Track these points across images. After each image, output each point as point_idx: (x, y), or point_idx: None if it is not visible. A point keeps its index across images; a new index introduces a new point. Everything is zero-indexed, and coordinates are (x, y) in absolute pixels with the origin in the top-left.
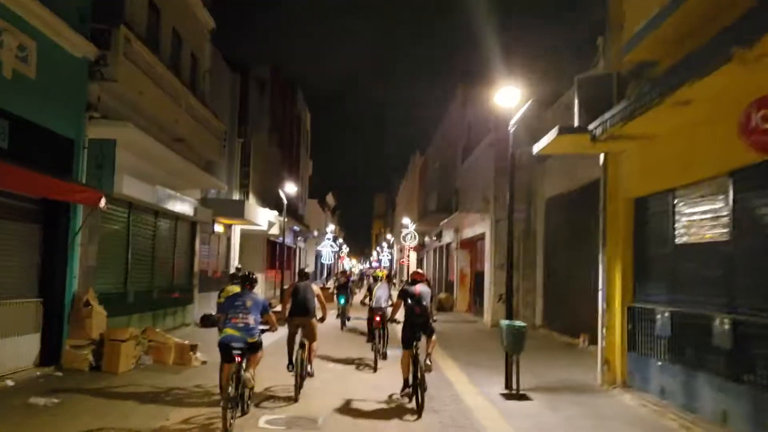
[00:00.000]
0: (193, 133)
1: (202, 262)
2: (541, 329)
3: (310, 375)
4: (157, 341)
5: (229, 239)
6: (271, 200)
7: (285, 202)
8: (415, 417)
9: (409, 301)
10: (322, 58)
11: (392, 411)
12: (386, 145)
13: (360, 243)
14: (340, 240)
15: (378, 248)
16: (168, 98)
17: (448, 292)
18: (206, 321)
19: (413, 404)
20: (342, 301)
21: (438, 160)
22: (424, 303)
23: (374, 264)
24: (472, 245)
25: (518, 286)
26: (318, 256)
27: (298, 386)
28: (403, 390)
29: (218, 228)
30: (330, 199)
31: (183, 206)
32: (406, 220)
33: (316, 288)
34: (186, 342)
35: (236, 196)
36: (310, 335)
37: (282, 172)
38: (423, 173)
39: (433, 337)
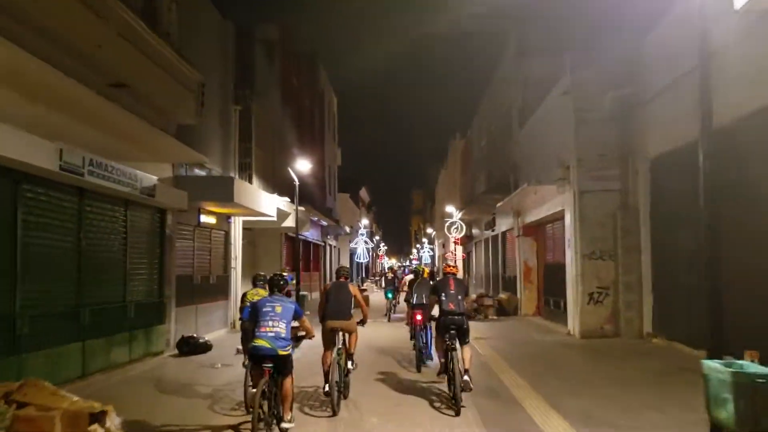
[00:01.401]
0: (144, 77)
1: (183, 265)
2: (653, 339)
3: (353, 368)
4: (36, 407)
5: (227, 234)
6: (284, 186)
7: (297, 182)
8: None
9: (443, 296)
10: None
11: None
12: (423, 140)
13: (400, 241)
14: (377, 238)
15: (418, 245)
16: (80, 6)
17: (509, 291)
18: (187, 346)
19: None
20: (390, 295)
21: (484, 136)
22: (459, 298)
23: (414, 262)
24: (539, 230)
25: (615, 280)
26: (353, 254)
27: (338, 399)
28: (440, 373)
29: (206, 219)
30: (364, 194)
31: (133, 183)
32: (449, 208)
33: (353, 288)
34: (92, 405)
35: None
36: (350, 340)
37: (299, 153)
38: (465, 157)
39: (468, 347)
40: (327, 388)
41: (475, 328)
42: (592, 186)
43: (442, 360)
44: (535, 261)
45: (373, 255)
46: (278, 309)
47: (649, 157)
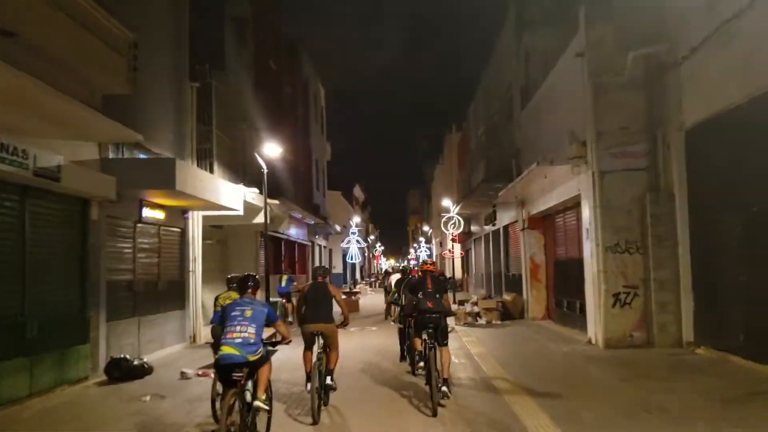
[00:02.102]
0: (51, 31)
1: (118, 269)
2: (697, 350)
3: (333, 389)
4: None
5: (183, 232)
6: (259, 178)
7: (265, 170)
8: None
9: (420, 295)
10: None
11: None
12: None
13: (398, 242)
14: (372, 237)
15: (415, 244)
16: None
17: (513, 291)
18: (118, 370)
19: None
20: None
21: (482, 124)
22: (438, 296)
23: (412, 262)
24: (547, 222)
25: (646, 277)
26: (345, 255)
27: (318, 406)
28: (417, 365)
29: (151, 213)
30: (358, 192)
31: (21, 162)
32: (446, 202)
33: (333, 289)
34: None
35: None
36: (331, 344)
37: (278, 142)
38: (462, 150)
39: (449, 350)
40: (308, 387)
41: (477, 336)
42: (614, 165)
43: (419, 363)
44: (543, 257)
45: (368, 255)
46: (248, 313)
47: (685, 128)
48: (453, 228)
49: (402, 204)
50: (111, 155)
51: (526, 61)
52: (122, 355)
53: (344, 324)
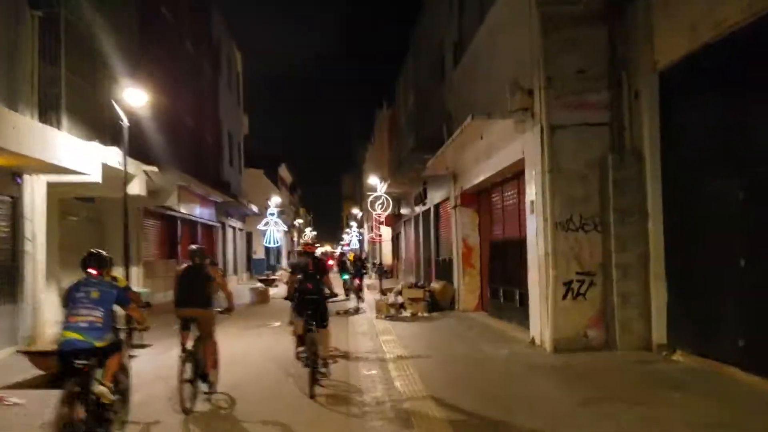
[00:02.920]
0: None
1: None
2: (672, 355)
3: (210, 392)
4: None
5: (15, 203)
6: (142, 145)
7: (125, 123)
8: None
9: (300, 276)
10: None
11: None
12: (353, 119)
13: (335, 228)
14: (301, 221)
15: (347, 230)
16: None
17: (443, 279)
18: None
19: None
20: (344, 277)
21: (412, 93)
22: (318, 278)
23: (345, 248)
24: (483, 198)
25: (605, 261)
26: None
27: (190, 396)
28: (297, 348)
29: None
30: (285, 172)
31: None
32: (373, 180)
33: (214, 271)
34: None
35: (32, 119)
36: (205, 333)
37: (174, 103)
38: (393, 126)
39: (328, 331)
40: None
41: (397, 333)
42: (568, 118)
43: (299, 335)
44: (477, 238)
45: (295, 239)
46: (94, 294)
47: (658, 69)
48: (381, 208)
49: (338, 190)
50: None
51: (460, 14)
52: None
53: (229, 310)
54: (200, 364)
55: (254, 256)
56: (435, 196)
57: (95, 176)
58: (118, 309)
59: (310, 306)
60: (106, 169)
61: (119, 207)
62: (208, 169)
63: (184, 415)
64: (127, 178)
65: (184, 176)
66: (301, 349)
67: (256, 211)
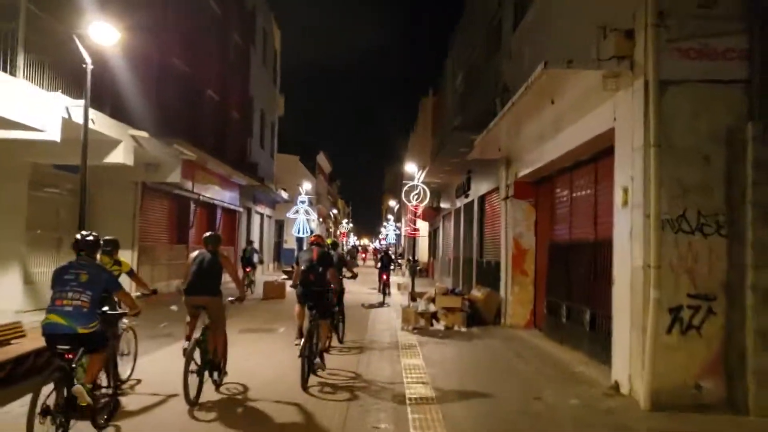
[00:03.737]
0: None
1: None
2: None
3: (218, 383)
4: None
5: None
6: (126, 107)
7: (88, 64)
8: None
9: (303, 267)
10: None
11: None
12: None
13: (373, 222)
14: (335, 211)
15: (384, 223)
16: None
17: (487, 286)
18: None
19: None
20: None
21: (461, 70)
22: (320, 270)
23: (383, 242)
24: (543, 187)
25: (731, 280)
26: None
27: (197, 389)
28: (298, 337)
29: None
30: (323, 160)
31: None
32: (411, 167)
33: (225, 260)
34: None
35: None
36: (216, 322)
37: (186, 62)
38: (437, 113)
39: (327, 324)
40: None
41: (425, 355)
42: (685, 71)
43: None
44: (532, 239)
45: (330, 231)
46: (83, 277)
47: None
48: (416, 199)
49: (380, 184)
50: None
51: None
52: None
53: (240, 299)
54: (208, 353)
55: (285, 246)
56: (480, 187)
57: (52, 134)
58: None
59: (311, 298)
60: (72, 127)
61: (112, 179)
62: (231, 148)
63: (188, 406)
64: (114, 145)
65: (191, 148)
66: (298, 342)
67: (287, 198)
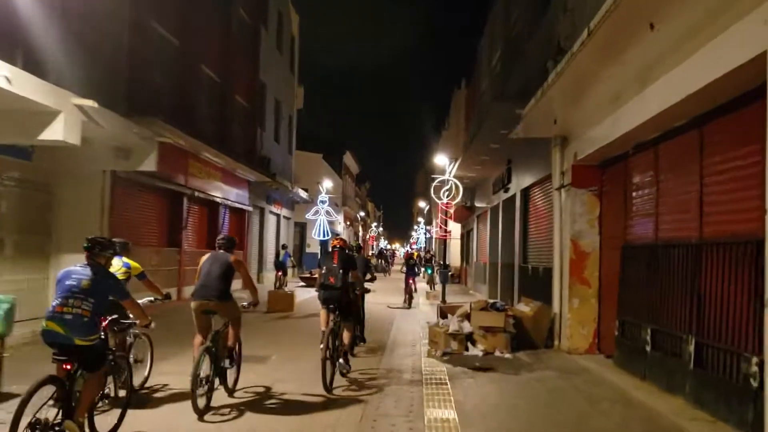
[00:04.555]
0: None
1: None
2: None
3: (230, 390)
4: None
5: None
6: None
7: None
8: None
9: (323, 270)
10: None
11: None
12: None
13: (405, 227)
14: (363, 213)
15: (415, 226)
16: None
17: (536, 298)
18: None
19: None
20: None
21: (499, 45)
22: (341, 273)
23: (413, 246)
24: (613, 171)
25: None
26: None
27: (207, 400)
28: (323, 341)
29: None
30: (350, 161)
31: None
32: (441, 160)
33: (237, 262)
34: None
35: None
36: (231, 328)
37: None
38: (471, 104)
39: (350, 326)
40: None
41: (461, 396)
42: None
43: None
44: (596, 238)
45: (358, 234)
46: (85, 284)
47: None
48: (447, 196)
49: (411, 188)
50: None
51: None
52: None
53: (253, 304)
54: (220, 360)
55: (307, 250)
56: (523, 178)
57: None
58: None
59: (332, 300)
60: None
61: (73, 168)
62: (236, 138)
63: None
64: (51, 118)
65: (171, 130)
66: (322, 346)
67: (307, 198)
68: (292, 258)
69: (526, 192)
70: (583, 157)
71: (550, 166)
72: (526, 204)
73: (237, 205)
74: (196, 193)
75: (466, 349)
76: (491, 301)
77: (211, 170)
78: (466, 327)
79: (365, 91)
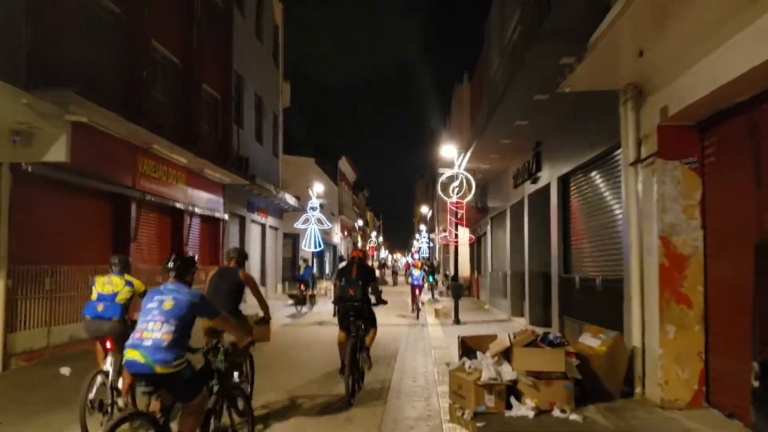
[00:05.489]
0: None
1: None
2: None
3: (244, 412)
4: None
5: None
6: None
7: None
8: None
9: (343, 282)
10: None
11: None
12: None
13: (406, 237)
14: (360, 222)
15: (416, 235)
16: None
17: (590, 321)
18: None
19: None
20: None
21: (517, 10)
22: (361, 283)
23: (415, 255)
24: (729, 131)
25: None
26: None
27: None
28: (341, 371)
29: None
30: (345, 166)
31: None
32: (448, 151)
33: (246, 276)
34: None
35: None
36: (242, 346)
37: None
38: (476, 95)
39: (372, 331)
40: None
41: None
42: None
43: (342, 359)
44: (698, 234)
45: (357, 245)
46: (167, 305)
47: None
48: (457, 193)
49: (412, 196)
50: None
51: None
52: None
53: (265, 320)
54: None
55: (301, 263)
56: (563, 162)
57: None
58: None
59: (352, 312)
60: None
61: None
62: (204, 133)
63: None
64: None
65: (91, 106)
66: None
67: (296, 205)
68: (313, 271)
69: (565, 179)
70: (676, 113)
71: (611, 135)
72: (566, 195)
73: (208, 213)
74: (149, 197)
75: (508, 407)
76: (540, 331)
77: (170, 170)
78: (507, 372)
79: (362, 96)
